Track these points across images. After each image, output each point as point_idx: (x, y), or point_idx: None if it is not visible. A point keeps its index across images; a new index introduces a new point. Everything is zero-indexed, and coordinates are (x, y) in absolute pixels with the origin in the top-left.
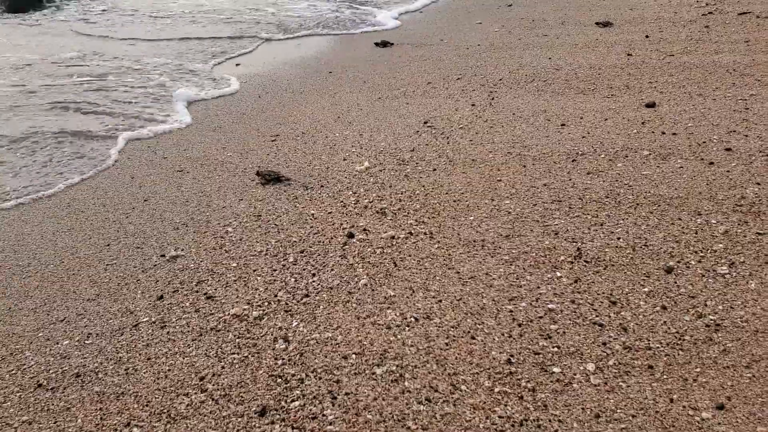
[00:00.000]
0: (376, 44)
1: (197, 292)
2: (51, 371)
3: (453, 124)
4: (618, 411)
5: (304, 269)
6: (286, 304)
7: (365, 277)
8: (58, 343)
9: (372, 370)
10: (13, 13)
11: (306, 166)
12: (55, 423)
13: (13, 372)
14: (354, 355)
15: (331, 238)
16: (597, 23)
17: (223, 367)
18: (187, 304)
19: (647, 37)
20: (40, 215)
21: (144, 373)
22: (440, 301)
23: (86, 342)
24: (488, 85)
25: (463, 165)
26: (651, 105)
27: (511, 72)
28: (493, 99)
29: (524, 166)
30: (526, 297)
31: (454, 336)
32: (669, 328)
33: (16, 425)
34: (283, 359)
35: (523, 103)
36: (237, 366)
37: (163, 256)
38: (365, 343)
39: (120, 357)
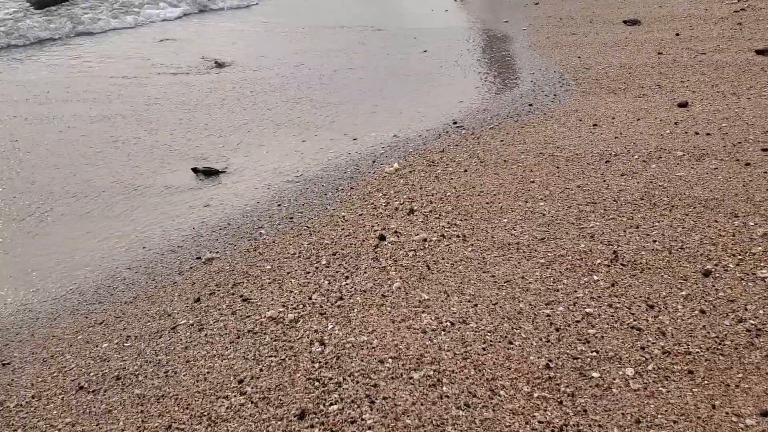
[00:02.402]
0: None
1: (233, 294)
2: (91, 374)
3: (484, 124)
4: (659, 416)
5: (337, 272)
6: (321, 306)
7: (398, 280)
8: (97, 346)
9: (409, 375)
10: (40, 9)
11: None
12: (97, 425)
13: (55, 374)
14: (390, 360)
15: (363, 241)
16: (624, 21)
17: (261, 370)
18: (224, 306)
19: (678, 35)
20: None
21: (183, 375)
22: (476, 305)
23: (125, 345)
24: None
25: (494, 166)
26: (683, 104)
27: (540, 70)
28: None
29: (557, 167)
30: (563, 301)
31: (491, 341)
32: (708, 332)
33: (60, 427)
34: (320, 362)
35: (553, 102)
36: (275, 369)
37: (198, 258)
38: (401, 347)
39: (159, 359)
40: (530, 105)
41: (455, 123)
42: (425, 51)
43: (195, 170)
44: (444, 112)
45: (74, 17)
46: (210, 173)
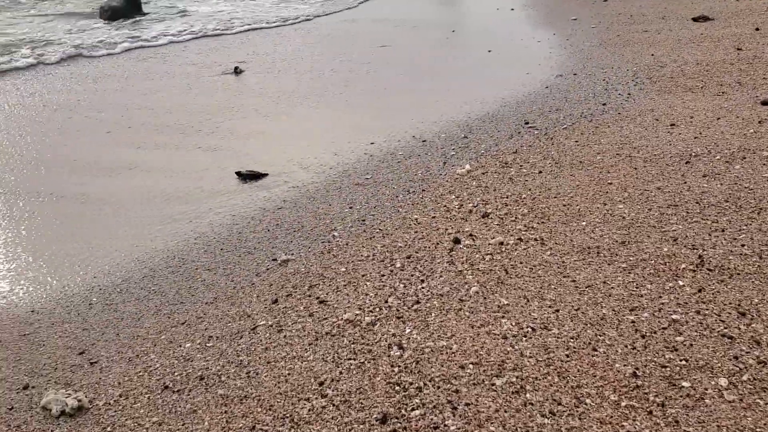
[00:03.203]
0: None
1: (310, 296)
2: (176, 373)
3: (557, 125)
4: (758, 430)
5: (412, 275)
6: (398, 310)
7: (476, 284)
8: (180, 346)
9: (491, 381)
10: (111, 21)
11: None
12: (183, 425)
13: (141, 374)
14: (471, 365)
15: (437, 244)
16: (693, 18)
17: (341, 373)
18: (301, 308)
19: (758, 29)
20: None
21: (265, 376)
22: (557, 310)
23: (207, 345)
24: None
25: (570, 167)
26: (767, 102)
27: (612, 69)
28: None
29: (635, 169)
30: (647, 307)
31: (574, 347)
32: None
33: (148, 426)
34: (400, 366)
35: (628, 101)
36: (354, 372)
37: (274, 260)
38: (482, 352)
39: (241, 360)
40: (604, 104)
41: (527, 123)
42: (490, 51)
43: (239, 174)
44: (515, 112)
45: (146, 29)
46: (252, 177)
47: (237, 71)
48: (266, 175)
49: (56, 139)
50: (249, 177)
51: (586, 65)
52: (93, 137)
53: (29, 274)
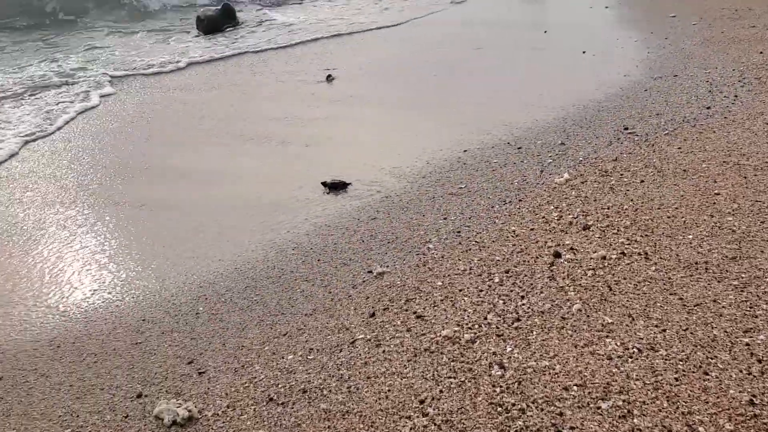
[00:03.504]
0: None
1: (407, 310)
2: (279, 386)
3: (658, 130)
4: None
5: (511, 291)
6: (497, 327)
7: (578, 301)
8: (283, 358)
9: (597, 404)
10: (207, 32)
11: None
12: None
13: (246, 385)
14: (575, 387)
15: (536, 258)
16: None
17: (441, 391)
18: (399, 322)
19: None
20: None
21: (365, 392)
22: (664, 330)
23: (309, 357)
24: None
25: (673, 176)
26: None
27: (717, 69)
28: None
29: (744, 177)
30: (763, 329)
31: (683, 371)
32: None
33: None
34: (501, 387)
35: (734, 104)
36: (455, 391)
37: (370, 272)
38: (586, 374)
39: (341, 374)
40: (708, 108)
41: (626, 129)
42: (584, 52)
43: (324, 184)
44: (613, 116)
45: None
46: (336, 186)
47: (329, 79)
48: (350, 184)
49: (156, 147)
50: (334, 187)
51: (687, 66)
52: (191, 145)
53: (137, 283)
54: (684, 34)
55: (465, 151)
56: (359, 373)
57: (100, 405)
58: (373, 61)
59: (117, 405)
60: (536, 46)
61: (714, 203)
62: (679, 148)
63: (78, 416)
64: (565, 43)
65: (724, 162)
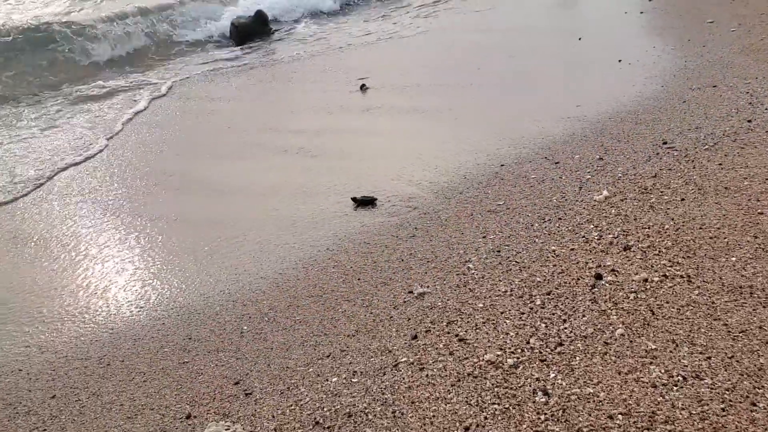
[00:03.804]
0: None
1: (449, 333)
2: (325, 409)
3: (697, 145)
4: None
5: (553, 314)
6: (540, 352)
7: (621, 326)
8: (327, 380)
9: None
10: (240, 40)
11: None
12: None
13: (293, 407)
14: (620, 416)
15: (578, 279)
16: None
17: (485, 418)
18: (441, 345)
19: None
20: None
21: (410, 417)
22: (709, 357)
23: (352, 380)
24: None
25: (714, 194)
26: None
27: (757, 79)
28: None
29: None
30: None
31: (730, 400)
32: None
33: None
34: (546, 414)
35: None
36: (499, 417)
37: (410, 293)
38: (630, 402)
39: (386, 398)
40: (749, 121)
41: (665, 143)
42: (620, 60)
43: (354, 200)
44: (651, 130)
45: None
46: (365, 203)
47: (363, 88)
48: (377, 200)
49: (188, 159)
50: (363, 203)
51: (726, 75)
52: (220, 157)
53: (181, 300)
54: (722, 42)
55: (502, 165)
56: (403, 397)
57: (150, 426)
58: (406, 69)
59: (167, 426)
60: (571, 54)
61: (758, 223)
62: (720, 164)
63: None
64: (600, 51)
65: (766, 179)
